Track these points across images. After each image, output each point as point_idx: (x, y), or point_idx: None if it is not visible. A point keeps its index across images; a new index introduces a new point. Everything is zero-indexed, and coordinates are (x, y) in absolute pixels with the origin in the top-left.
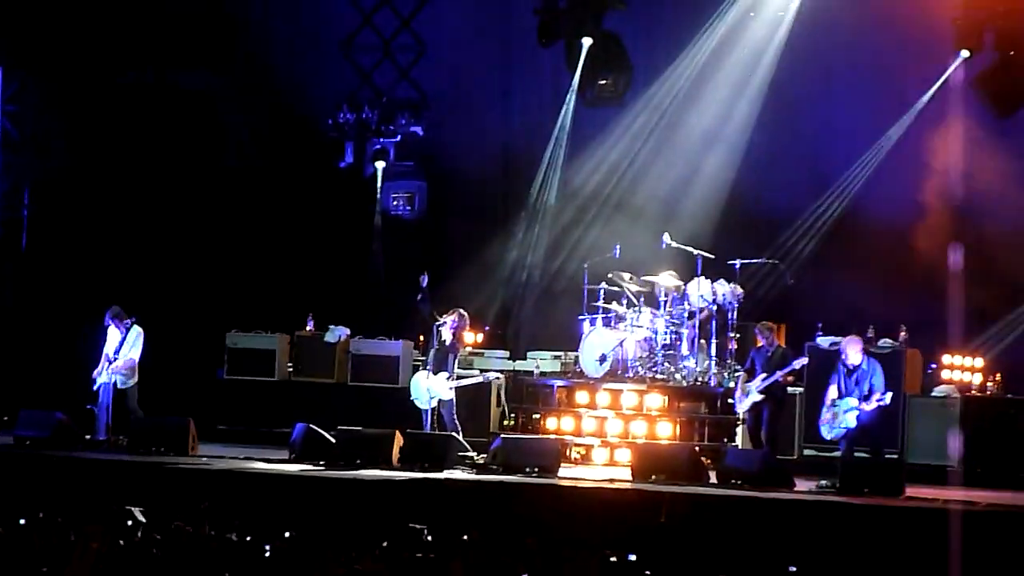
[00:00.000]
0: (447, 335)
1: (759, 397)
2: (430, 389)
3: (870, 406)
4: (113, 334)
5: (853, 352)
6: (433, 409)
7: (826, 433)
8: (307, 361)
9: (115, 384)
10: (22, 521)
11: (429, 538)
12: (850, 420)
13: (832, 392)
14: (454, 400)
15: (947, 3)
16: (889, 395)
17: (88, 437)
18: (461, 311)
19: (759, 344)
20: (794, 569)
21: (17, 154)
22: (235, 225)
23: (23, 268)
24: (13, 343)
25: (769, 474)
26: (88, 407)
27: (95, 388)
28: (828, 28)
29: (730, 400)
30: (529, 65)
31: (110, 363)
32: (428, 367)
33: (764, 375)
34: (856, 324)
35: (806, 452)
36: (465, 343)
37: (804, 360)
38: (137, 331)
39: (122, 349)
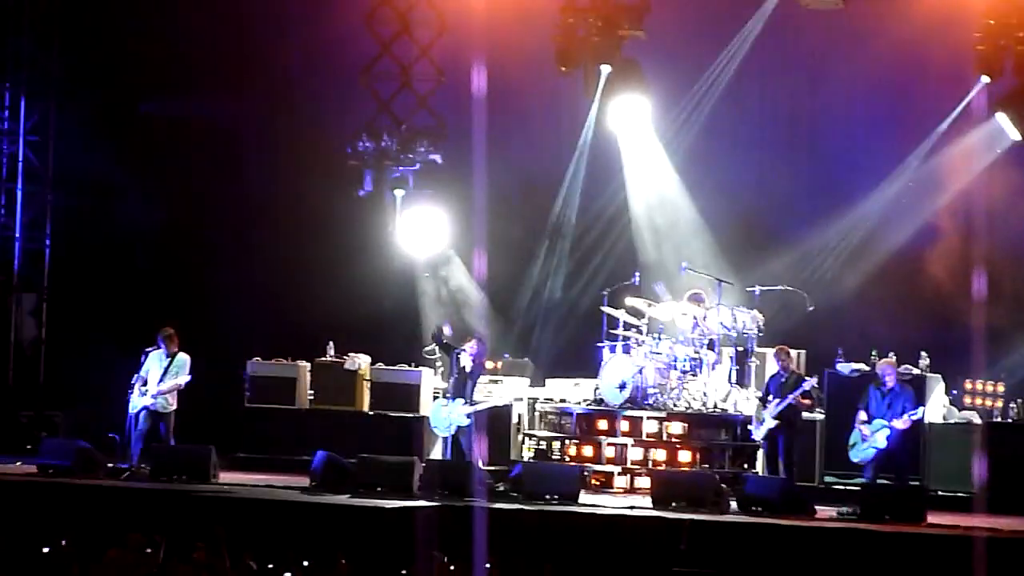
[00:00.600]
0: (467, 362)
1: (774, 423)
2: (449, 416)
3: (902, 423)
4: (155, 358)
5: (889, 375)
6: (453, 436)
7: (854, 455)
8: (327, 389)
9: (156, 409)
10: (45, 550)
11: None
12: (880, 440)
13: (862, 415)
14: (472, 427)
15: (968, 29)
16: (922, 409)
17: (111, 465)
18: (480, 338)
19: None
20: None
21: (39, 184)
22: (255, 253)
23: (46, 298)
24: (37, 373)
25: (790, 501)
26: (111, 435)
27: (134, 412)
28: (848, 54)
29: (750, 427)
30: (548, 92)
31: (146, 385)
32: (448, 395)
33: (777, 400)
34: (876, 350)
35: (827, 479)
36: (486, 369)
37: (812, 380)
38: (185, 357)
39: (168, 374)
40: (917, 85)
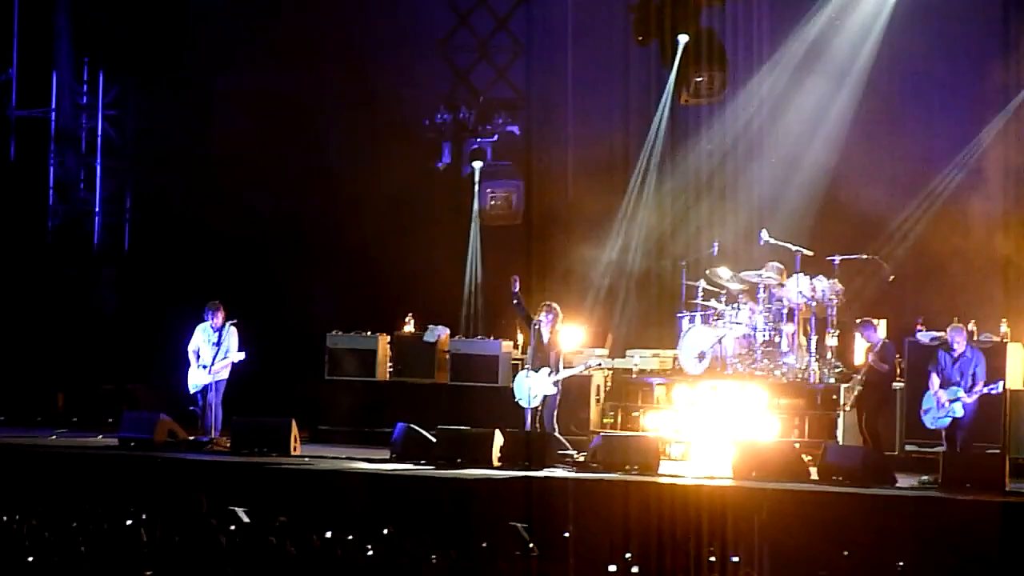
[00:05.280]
0: (546, 332)
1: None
2: (532, 387)
3: (971, 397)
4: (202, 331)
5: (959, 340)
6: (535, 408)
7: (929, 422)
8: (407, 361)
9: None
10: (128, 522)
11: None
12: (957, 409)
13: (934, 381)
14: (557, 398)
15: None
16: (1001, 383)
17: (192, 438)
18: (551, 304)
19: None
20: None
21: (118, 159)
22: (334, 226)
23: (125, 272)
24: (117, 346)
25: (871, 470)
26: (191, 408)
27: (196, 391)
28: (926, 21)
29: (834, 396)
30: (625, 63)
31: (211, 364)
32: (528, 366)
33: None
34: (956, 318)
35: (908, 447)
36: (556, 344)
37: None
38: (233, 330)
39: (220, 349)
40: (996, 50)
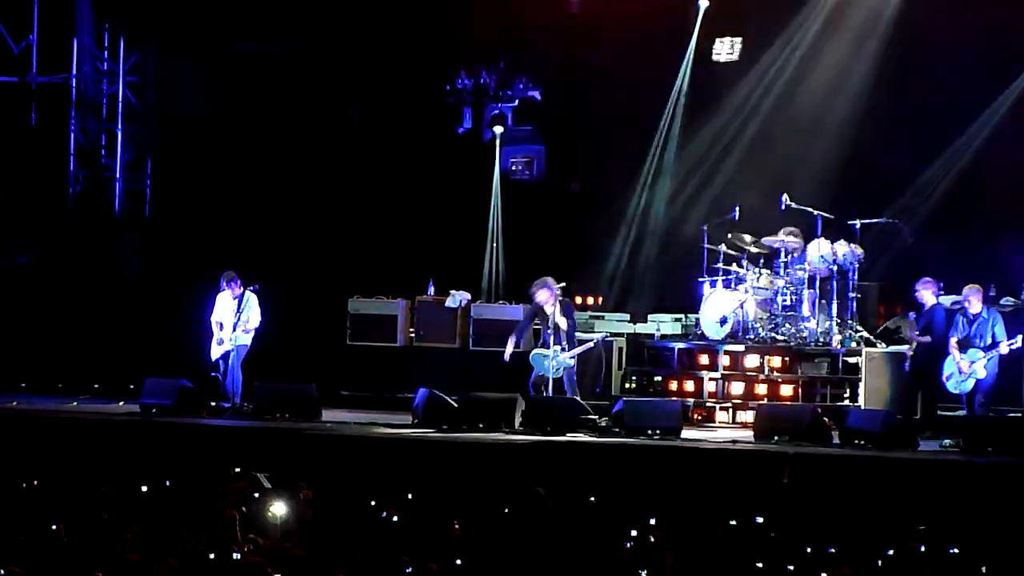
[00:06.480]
0: (550, 311)
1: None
2: (548, 362)
3: (992, 355)
4: (224, 301)
5: (975, 300)
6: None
7: (952, 387)
8: (428, 326)
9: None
10: (144, 488)
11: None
12: (979, 370)
13: (953, 343)
14: (574, 366)
15: None
16: (1020, 337)
17: (213, 404)
18: (545, 280)
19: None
20: None
21: (139, 124)
22: (356, 192)
23: (147, 237)
24: (138, 312)
25: (892, 434)
26: (213, 375)
27: (218, 358)
28: None
29: (854, 360)
30: (645, 27)
31: (234, 330)
32: (544, 344)
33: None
34: (977, 283)
35: None
36: (563, 321)
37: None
38: (254, 297)
39: (242, 315)
40: (1018, 11)
